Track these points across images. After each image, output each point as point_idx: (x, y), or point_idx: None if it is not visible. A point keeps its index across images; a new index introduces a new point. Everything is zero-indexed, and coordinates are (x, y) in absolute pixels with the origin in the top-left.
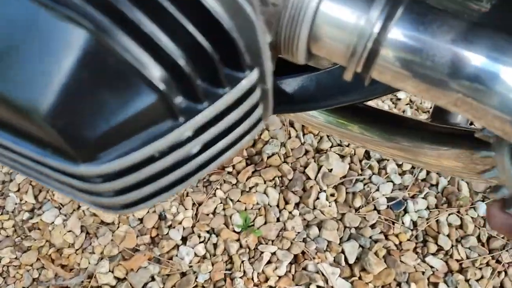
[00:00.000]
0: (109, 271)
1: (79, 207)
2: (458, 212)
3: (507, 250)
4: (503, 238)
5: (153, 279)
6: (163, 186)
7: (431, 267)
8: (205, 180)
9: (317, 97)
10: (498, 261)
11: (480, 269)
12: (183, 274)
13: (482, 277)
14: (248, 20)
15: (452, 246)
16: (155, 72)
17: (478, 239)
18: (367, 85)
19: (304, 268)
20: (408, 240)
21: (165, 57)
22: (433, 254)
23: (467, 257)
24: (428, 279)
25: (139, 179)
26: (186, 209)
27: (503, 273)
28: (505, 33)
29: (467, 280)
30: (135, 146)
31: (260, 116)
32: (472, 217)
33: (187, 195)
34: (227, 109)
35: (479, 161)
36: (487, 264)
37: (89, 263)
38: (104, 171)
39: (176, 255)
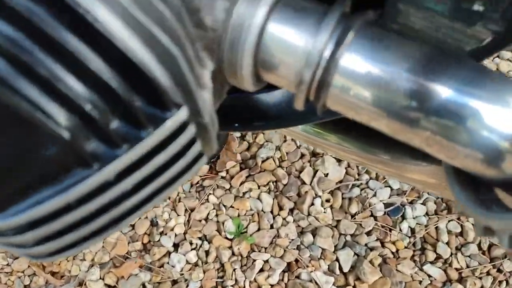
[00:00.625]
0: (100, 278)
1: None
2: (458, 219)
3: (509, 259)
4: None
5: (144, 286)
6: (93, 231)
7: (429, 276)
8: (198, 185)
9: (289, 113)
10: (499, 270)
11: (480, 278)
12: (174, 282)
13: (482, 287)
14: (170, 54)
15: (452, 254)
16: (59, 119)
17: (479, 247)
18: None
19: (297, 277)
20: (406, 247)
21: (70, 101)
22: (431, 263)
23: (467, 266)
24: None
25: (55, 229)
26: (178, 215)
27: (504, 283)
28: (475, 63)
29: None
30: (45, 197)
31: (200, 151)
32: (473, 224)
33: (179, 201)
34: (153, 151)
35: None
36: (488, 273)
37: (79, 270)
38: (12, 224)
39: (168, 263)
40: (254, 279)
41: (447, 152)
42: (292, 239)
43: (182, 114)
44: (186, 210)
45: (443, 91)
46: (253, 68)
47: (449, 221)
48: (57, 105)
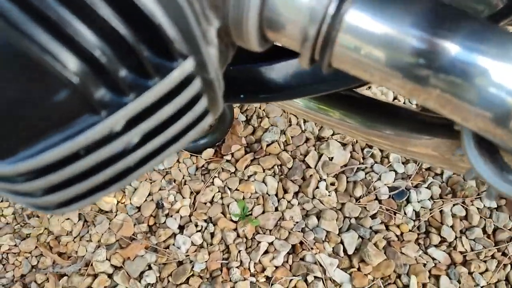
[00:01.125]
0: (106, 259)
1: None
2: (463, 202)
3: None
4: (510, 230)
5: (149, 267)
6: (99, 183)
7: (433, 259)
8: (203, 168)
9: (292, 85)
10: (504, 254)
11: (485, 261)
12: (180, 263)
13: (486, 270)
14: (177, 5)
15: (456, 237)
16: (69, 64)
17: (484, 230)
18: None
19: (302, 259)
20: (410, 231)
21: (80, 47)
22: (436, 246)
23: (472, 249)
24: (430, 271)
25: (65, 177)
26: (183, 198)
27: (508, 266)
28: (482, 19)
29: (470, 273)
30: (53, 143)
31: (206, 108)
32: (478, 208)
33: (185, 184)
34: (160, 101)
35: (453, 151)
36: (492, 257)
37: (86, 251)
38: (22, 169)
39: (173, 244)
40: (259, 260)
41: (459, 112)
42: (297, 222)
43: (188, 65)
44: (191, 193)
45: (451, 48)
46: (259, 26)
47: (453, 205)
48: (67, 50)
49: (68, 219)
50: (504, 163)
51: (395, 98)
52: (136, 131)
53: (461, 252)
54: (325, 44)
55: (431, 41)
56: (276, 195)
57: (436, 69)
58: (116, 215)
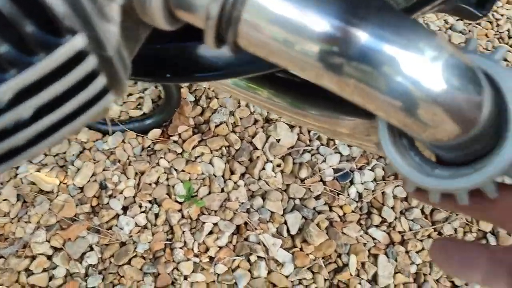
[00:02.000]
0: (46, 240)
1: (16, 175)
2: None
3: (449, 223)
4: (446, 210)
5: (91, 249)
6: None
7: (373, 239)
8: (149, 148)
9: (220, 65)
10: (440, 233)
11: (422, 241)
12: (123, 244)
13: (422, 249)
14: None
15: (396, 218)
16: None
17: (422, 211)
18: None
19: (246, 239)
20: (353, 211)
21: None
22: (377, 226)
23: (410, 229)
24: (369, 250)
25: None
26: (128, 179)
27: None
28: (394, 9)
29: (407, 252)
30: None
31: (105, 87)
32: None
33: (129, 164)
34: (50, 77)
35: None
36: (429, 236)
37: (24, 232)
38: None
39: (116, 225)
40: (203, 241)
41: (371, 101)
42: (242, 203)
43: (77, 42)
44: (136, 173)
45: (362, 36)
46: (164, 4)
47: (395, 186)
48: None
49: (5, 200)
50: (420, 153)
51: None
52: (25, 106)
53: (399, 232)
54: (229, 23)
55: (343, 28)
56: (223, 176)
57: (349, 57)
58: (57, 195)
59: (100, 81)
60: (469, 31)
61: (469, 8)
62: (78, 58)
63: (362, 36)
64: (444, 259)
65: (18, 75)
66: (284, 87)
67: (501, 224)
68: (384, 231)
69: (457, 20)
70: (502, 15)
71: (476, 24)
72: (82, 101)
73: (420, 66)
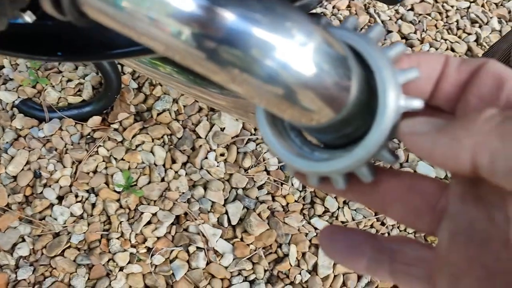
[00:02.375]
0: None
1: None
2: None
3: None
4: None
5: (23, 239)
6: None
7: (316, 228)
8: (88, 136)
9: (118, 44)
10: (382, 223)
11: (364, 231)
12: (56, 235)
13: None
14: None
15: (339, 208)
16: None
17: None
18: None
19: (185, 229)
20: (296, 201)
21: None
22: (319, 216)
23: (353, 219)
24: (311, 240)
25: None
26: (64, 167)
27: (386, 235)
28: None
29: None
30: None
31: None
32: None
33: (66, 152)
34: None
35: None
36: (371, 226)
37: None
38: None
39: (50, 215)
40: (141, 231)
41: (251, 88)
42: (183, 193)
43: None
44: (73, 162)
45: (230, 17)
46: None
47: None
48: None
49: None
50: (300, 135)
51: None
52: None
53: (342, 222)
54: None
55: (209, 8)
56: (164, 165)
57: (220, 40)
58: None
59: None
60: (419, 21)
61: None
62: None
63: (230, 17)
64: (331, 246)
65: None
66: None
67: (382, 209)
68: (326, 221)
69: (408, 10)
70: (452, 6)
71: (426, 14)
72: None
73: (289, 51)
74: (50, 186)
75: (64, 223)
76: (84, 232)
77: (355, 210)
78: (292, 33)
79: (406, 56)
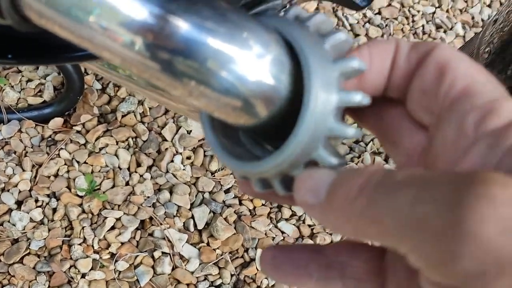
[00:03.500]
0: None
1: None
2: None
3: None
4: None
5: None
6: None
7: (283, 232)
8: (49, 139)
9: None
10: None
11: (331, 234)
12: (15, 241)
13: (331, 242)
14: None
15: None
16: None
17: None
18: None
19: (151, 234)
20: (263, 205)
21: None
22: (286, 220)
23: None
24: (278, 244)
25: None
26: (24, 171)
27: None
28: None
29: None
30: None
31: None
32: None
33: (25, 155)
34: None
35: None
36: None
37: None
38: None
39: (8, 221)
40: (104, 236)
41: (209, 101)
42: (148, 197)
43: None
44: (33, 165)
45: (184, 27)
46: None
47: None
48: None
49: None
50: (233, 138)
51: None
52: None
53: (309, 226)
54: None
55: (163, 17)
56: (129, 169)
57: (173, 51)
58: None
59: None
60: (386, 25)
61: None
62: None
63: (184, 27)
64: (274, 270)
65: None
66: None
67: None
68: (293, 224)
69: (375, 14)
70: (418, 11)
71: (393, 18)
72: None
73: (248, 62)
74: (8, 190)
75: (23, 229)
76: (45, 238)
77: None
78: (249, 44)
79: (356, 49)
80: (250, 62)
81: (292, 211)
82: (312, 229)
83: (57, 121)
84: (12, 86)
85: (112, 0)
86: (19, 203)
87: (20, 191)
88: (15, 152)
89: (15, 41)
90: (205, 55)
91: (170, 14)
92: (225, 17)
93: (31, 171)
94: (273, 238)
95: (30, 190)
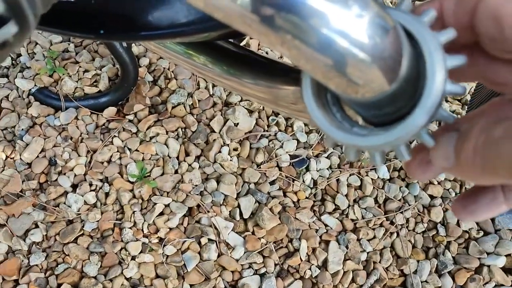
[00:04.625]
0: None
1: None
2: (359, 173)
3: (401, 212)
4: (399, 200)
5: (36, 226)
6: None
7: (326, 225)
8: (103, 127)
9: (161, 25)
10: (392, 223)
11: (374, 229)
12: (70, 222)
13: (374, 237)
14: None
15: (349, 206)
16: None
17: (375, 200)
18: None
19: (198, 221)
20: (307, 198)
21: None
22: (329, 213)
23: (362, 217)
24: (321, 237)
25: None
26: (79, 156)
27: (395, 234)
28: None
29: (358, 240)
30: None
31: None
32: (372, 179)
33: (81, 141)
34: None
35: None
36: (381, 225)
37: None
38: None
39: (64, 203)
40: (153, 221)
41: (300, 55)
42: (196, 185)
43: None
44: (88, 151)
45: None
46: None
47: (350, 174)
48: None
49: None
50: (341, 110)
51: None
52: None
53: (352, 220)
54: None
55: None
56: (178, 158)
57: (278, 6)
58: (3, 170)
59: (9, 29)
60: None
61: None
62: None
63: None
64: (473, 215)
65: None
66: (220, 55)
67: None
68: (337, 218)
69: None
70: None
71: None
72: None
73: (346, 21)
74: (65, 174)
75: (78, 211)
76: (98, 221)
77: (365, 208)
78: (349, 4)
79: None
80: (349, 21)
81: (335, 205)
82: (355, 223)
83: (111, 110)
84: (70, 76)
85: None
86: (74, 186)
87: (75, 175)
88: (71, 138)
89: (104, 19)
90: (308, 12)
91: None
92: None
93: (86, 156)
94: (317, 230)
95: (85, 174)
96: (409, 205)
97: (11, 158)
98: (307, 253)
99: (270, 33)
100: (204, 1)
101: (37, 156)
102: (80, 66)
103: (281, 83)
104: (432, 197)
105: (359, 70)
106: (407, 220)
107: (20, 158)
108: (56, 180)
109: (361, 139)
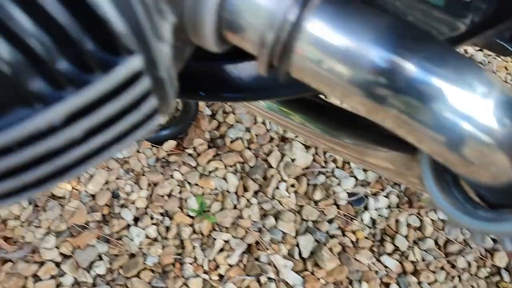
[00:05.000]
0: (55, 247)
1: None
2: (419, 213)
3: (463, 256)
4: (460, 243)
5: (100, 258)
6: (37, 178)
7: (386, 267)
8: (163, 160)
9: (254, 86)
10: (453, 266)
11: (434, 272)
12: (132, 256)
13: (435, 281)
14: None
15: (409, 247)
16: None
17: (436, 242)
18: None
19: (257, 259)
20: (365, 238)
21: (13, 34)
22: (389, 254)
23: (423, 260)
24: (381, 279)
25: None
26: (141, 189)
27: (457, 278)
28: (443, 41)
29: (419, 283)
30: None
31: (155, 108)
32: (432, 219)
33: (143, 175)
34: (103, 98)
35: (410, 166)
36: (442, 268)
37: (34, 237)
38: None
39: (126, 236)
40: (213, 258)
41: (414, 133)
42: (255, 221)
43: (135, 62)
44: (149, 184)
45: (410, 68)
46: (216, 27)
47: (409, 215)
48: (3, 38)
49: (17, 203)
50: (463, 192)
51: None
52: (78, 127)
53: (412, 262)
54: (283, 52)
55: (391, 60)
56: (236, 193)
57: (395, 89)
58: (69, 201)
59: (152, 102)
60: (489, 62)
61: (503, 43)
62: (133, 78)
63: (410, 69)
64: None
65: (75, 94)
66: (315, 112)
67: None
68: (396, 259)
69: (477, 50)
70: None
71: (496, 56)
72: (133, 122)
73: (471, 102)
74: (127, 206)
75: (140, 245)
76: (159, 255)
77: (425, 250)
78: (473, 84)
79: None
80: (474, 103)
81: (395, 245)
82: (415, 265)
83: (171, 143)
84: None
85: (351, 47)
86: (136, 219)
87: (137, 208)
88: (133, 171)
89: (202, 80)
90: (428, 95)
91: (398, 57)
92: (448, 59)
93: (147, 189)
94: (377, 272)
95: (146, 208)
96: (471, 248)
97: (76, 190)
98: None
99: (380, 110)
100: (315, 79)
101: (101, 188)
102: None
103: (384, 146)
104: (495, 240)
105: (482, 154)
106: (469, 264)
107: (85, 190)
108: (119, 212)
109: (494, 226)
